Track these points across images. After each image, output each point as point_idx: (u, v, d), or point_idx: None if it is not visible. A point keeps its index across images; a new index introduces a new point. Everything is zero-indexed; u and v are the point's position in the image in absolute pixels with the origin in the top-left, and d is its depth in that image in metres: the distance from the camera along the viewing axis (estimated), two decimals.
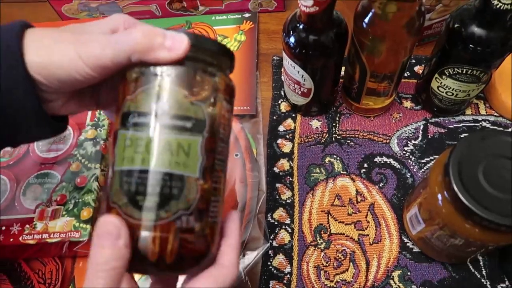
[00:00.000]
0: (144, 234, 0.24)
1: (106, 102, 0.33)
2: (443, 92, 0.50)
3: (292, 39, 0.44)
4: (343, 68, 0.55)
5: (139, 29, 0.25)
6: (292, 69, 0.47)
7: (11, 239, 0.43)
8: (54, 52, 0.26)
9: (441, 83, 0.49)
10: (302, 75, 0.47)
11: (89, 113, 0.50)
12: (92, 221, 0.43)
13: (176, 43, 0.25)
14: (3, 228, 0.43)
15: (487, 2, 0.39)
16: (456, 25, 0.43)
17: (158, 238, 0.23)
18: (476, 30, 0.42)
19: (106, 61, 0.25)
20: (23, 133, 0.28)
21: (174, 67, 0.25)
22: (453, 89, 0.48)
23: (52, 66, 0.25)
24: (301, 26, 0.43)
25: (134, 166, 0.24)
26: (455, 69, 0.46)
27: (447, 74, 0.47)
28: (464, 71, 0.45)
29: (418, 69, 0.59)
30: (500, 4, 0.38)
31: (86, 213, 0.43)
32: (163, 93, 0.25)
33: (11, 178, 0.47)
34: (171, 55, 0.25)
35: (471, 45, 0.42)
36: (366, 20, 0.41)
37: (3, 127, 0.27)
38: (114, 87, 0.29)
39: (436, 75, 0.48)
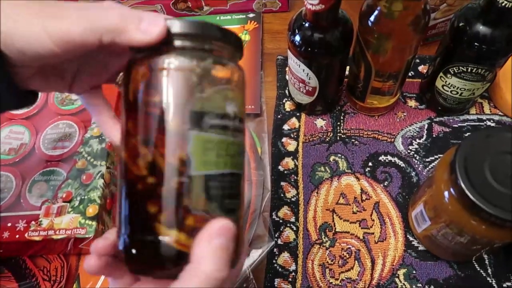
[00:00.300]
0: None
1: (79, 86, 0.30)
2: (447, 91, 0.50)
3: (297, 37, 0.44)
4: (347, 68, 0.55)
5: (116, 9, 0.24)
6: (297, 67, 0.48)
7: (17, 236, 0.43)
8: (18, 21, 0.24)
9: (446, 82, 0.49)
10: (307, 74, 0.47)
11: None
12: (97, 218, 0.43)
13: (151, 26, 0.23)
14: (9, 224, 0.43)
15: (492, 1, 0.39)
16: (461, 24, 0.44)
17: None
18: (481, 28, 0.42)
19: (73, 38, 0.23)
20: None
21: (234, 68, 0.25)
22: (458, 87, 0.48)
23: (15, 36, 0.23)
24: (306, 25, 0.43)
25: (224, 170, 0.23)
26: (460, 67, 0.46)
27: (452, 73, 0.47)
28: (469, 70, 0.45)
29: (422, 68, 0.59)
30: (505, 2, 0.38)
31: (91, 210, 0.43)
32: (232, 95, 0.24)
33: (16, 175, 0.47)
34: (146, 37, 0.23)
35: (476, 44, 0.42)
36: (372, 18, 0.42)
37: None
38: (91, 72, 0.29)
39: (441, 74, 0.49)
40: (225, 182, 0.23)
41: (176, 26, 0.23)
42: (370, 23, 0.42)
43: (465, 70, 0.46)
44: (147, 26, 0.23)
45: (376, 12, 0.41)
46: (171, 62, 0.23)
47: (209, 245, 0.22)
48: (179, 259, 0.22)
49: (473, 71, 0.45)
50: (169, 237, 0.22)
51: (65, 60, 0.25)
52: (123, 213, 0.24)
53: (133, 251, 0.23)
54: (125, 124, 0.24)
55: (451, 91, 0.49)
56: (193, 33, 0.23)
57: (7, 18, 0.23)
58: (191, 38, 0.24)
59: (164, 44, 0.23)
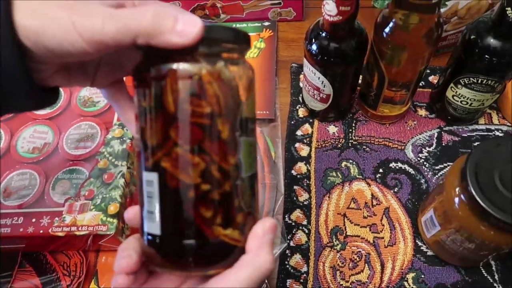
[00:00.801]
0: None
1: (102, 80, 0.29)
2: (458, 101, 0.51)
3: (314, 47, 0.46)
4: (360, 76, 0.57)
5: (150, 9, 0.23)
6: (312, 75, 0.49)
7: (41, 231, 0.44)
8: (47, 17, 0.22)
9: (456, 92, 0.50)
10: (322, 81, 0.49)
11: None
12: (118, 216, 0.45)
13: (188, 27, 0.22)
14: (33, 220, 0.45)
15: (503, 15, 0.41)
16: (472, 37, 0.45)
17: None
18: (492, 41, 0.44)
19: (106, 37, 0.22)
20: (6, 101, 0.25)
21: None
22: (468, 98, 0.50)
23: (43, 34, 0.22)
24: (323, 34, 0.45)
25: (255, 169, 0.26)
26: (471, 78, 0.47)
27: (463, 84, 0.49)
28: (479, 81, 0.47)
29: (432, 78, 0.61)
30: None
31: (113, 208, 0.45)
32: (253, 99, 0.26)
33: (40, 173, 0.49)
34: (182, 40, 0.22)
35: (487, 56, 0.44)
36: (387, 30, 0.43)
37: None
38: (114, 65, 0.28)
39: (452, 84, 0.50)
40: (254, 180, 0.25)
41: (215, 30, 0.23)
42: (385, 34, 0.44)
43: (475, 81, 0.47)
44: (183, 27, 0.22)
45: (391, 24, 0.43)
46: (221, 72, 0.23)
47: (264, 239, 0.24)
48: (235, 254, 0.24)
49: (483, 82, 0.47)
50: (226, 236, 0.24)
51: (95, 57, 0.25)
52: (167, 219, 0.24)
53: (183, 254, 0.24)
54: (162, 133, 0.23)
55: (461, 101, 0.51)
56: (231, 38, 0.23)
57: (36, 15, 0.22)
58: (231, 44, 0.24)
59: (197, 47, 0.23)
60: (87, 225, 0.44)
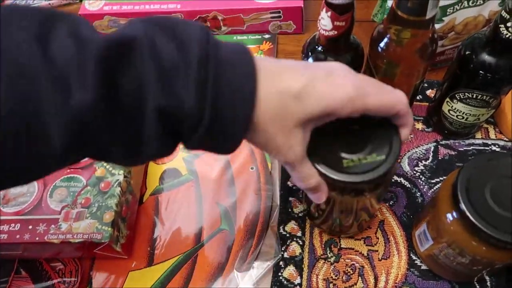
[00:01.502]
0: None
1: None
2: (453, 115, 0.51)
3: (310, 60, 0.47)
4: None
5: (347, 80, 0.29)
6: None
7: (37, 238, 0.45)
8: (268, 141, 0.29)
9: (452, 106, 0.51)
10: None
11: None
12: (113, 224, 0.45)
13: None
14: (30, 227, 0.46)
15: (497, 32, 0.41)
16: (467, 52, 0.46)
17: None
18: (486, 57, 0.44)
19: (311, 118, 0.29)
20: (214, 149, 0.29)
21: None
22: (464, 112, 0.50)
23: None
24: (319, 48, 0.46)
25: None
26: (466, 93, 0.48)
27: (458, 98, 0.49)
28: (474, 96, 0.47)
29: (430, 92, 0.61)
30: (509, 34, 0.40)
31: (108, 216, 0.46)
32: None
33: (39, 180, 0.49)
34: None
35: (481, 72, 0.44)
36: (382, 44, 0.44)
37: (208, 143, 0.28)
38: None
39: (447, 99, 0.50)
40: None
41: None
42: (380, 49, 0.44)
43: (470, 96, 0.47)
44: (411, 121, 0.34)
45: (385, 39, 0.43)
46: None
47: None
48: None
49: (478, 97, 0.47)
50: None
51: None
52: None
53: None
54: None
55: (456, 116, 0.51)
56: None
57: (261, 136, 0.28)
58: None
59: None
60: (82, 233, 0.45)
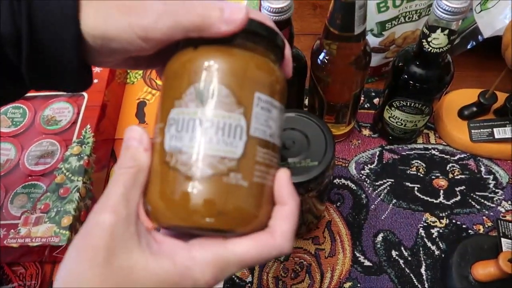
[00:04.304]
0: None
1: (155, 62, 0.31)
2: (393, 122, 0.56)
3: None
4: (307, 99, 0.61)
5: (198, 3, 0.24)
6: None
7: None
8: (108, 21, 0.24)
9: (391, 114, 0.55)
10: None
11: (76, 130, 0.55)
12: (71, 228, 0.48)
13: (234, 14, 0.24)
14: None
15: (421, 46, 0.45)
16: (400, 64, 0.50)
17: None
18: (415, 69, 0.48)
19: (159, 35, 0.24)
20: (57, 81, 0.28)
21: None
22: (401, 119, 0.54)
23: (106, 37, 0.25)
24: None
25: None
26: (401, 101, 0.52)
27: (395, 106, 0.53)
28: (408, 104, 0.51)
29: (376, 101, 0.65)
30: (430, 48, 0.44)
31: (66, 221, 0.48)
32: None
33: (1, 187, 0.52)
34: (230, 28, 0.24)
35: (411, 82, 0.49)
36: (320, 57, 0.48)
37: (44, 71, 0.26)
38: (165, 52, 0.28)
39: (387, 107, 0.55)
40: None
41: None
42: (319, 61, 0.48)
43: (405, 104, 0.52)
44: (230, 15, 0.24)
45: (323, 53, 0.47)
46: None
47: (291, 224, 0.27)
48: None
49: (412, 105, 0.51)
50: None
51: (152, 51, 0.26)
52: None
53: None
54: None
55: (396, 122, 0.55)
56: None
57: (98, 15, 0.24)
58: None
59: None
60: (40, 237, 0.47)
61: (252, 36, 0.25)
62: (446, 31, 0.42)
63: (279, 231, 0.25)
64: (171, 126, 0.24)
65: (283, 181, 0.26)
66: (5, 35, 0.24)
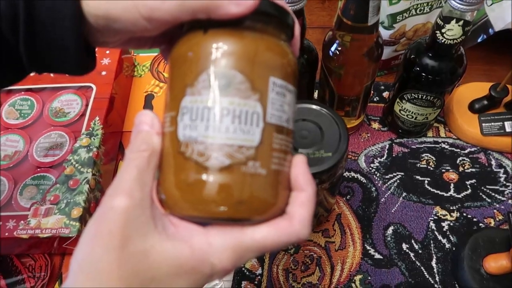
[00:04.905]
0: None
1: (158, 41, 0.30)
2: (404, 115, 0.55)
3: None
4: (316, 91, 0.61)
5: None
6: None
7: (6, 233, 0.47)
8: (111, 1, 0.24)
9: (402, 106, 0.54)
10: None
11: (85, 122, 0.55)
12: (81, 219, 0.48)
13: None
14: (0, 223, 0.48)
15: (434, 38, 0.45)
16: (412, 56, 0.49)
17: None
18: (428, 61, 0.48)
19: (165, 15, 0.23)
20: (56, 63, 0.27)
21: None
22: (412, 112, 0.54)
23: (109, 17, 0.24)
24: None
25: None
26: (413, 94, 0.51)
27: (406, 99, 0.53)
28: (419, 96, 0.51)
29: (386, 94, 0.65)
30: (444, 39, 0.44)
31: (76, 212, 0.48)
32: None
33: (9, 179, 0.51)
34: (240, 9, 0.23)
35: (423, 74, 0.48)
36: (332, 49, 0.48)
37: (42, 51, 0.25)
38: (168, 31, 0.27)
39: (398, 99, 0.54)
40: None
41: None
42: (331, 53, 0.48)
43: (416, 96, 0.51)
44: None
45: (335, 44, 0.47)
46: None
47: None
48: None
49: (423, 98, 0.51)
50: None
51: (154, 33, 0.25)
52: None
53: None
54: None
55: (407, 115, 0.55)
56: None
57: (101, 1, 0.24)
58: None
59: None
60: (50, 228, 0.47)
61: (263, 17, 0.24)
62: (461, 22, 0.42)
63: (298, 218, 0.24)
64: (184, 115, 0.23)
65: (300, 167, 0.25)
66: (1, 11, 0.23)
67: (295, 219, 0.24)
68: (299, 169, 0.25)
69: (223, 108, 0.23)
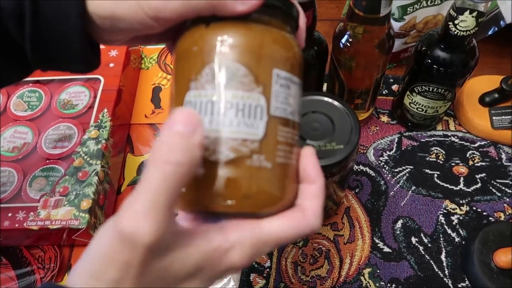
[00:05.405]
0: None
1: (163, 37, 0.30)
2: (414, 108, 0.55)
3: None
4: (325, 84, 0.60)
5: None
6: None
7: (16, 225, 0.47)
8: (116, 1, 0.24)
9: (412, 99, 0.54)
10: None
11: (93, 114, 0.55)
12: (90, 211, 0.48)
13: None
14: (10, 214, 0.48)
15: (447, 29, 0.44)
16: (423, 48, 0.49)
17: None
18: (440, 53, 0.47)
19: (170, 14, 0.23)
20: (61, 61, 0.27)
21: None
22: (423, 105, 0.53)
23: (115, 17, 0.24)
24: None
25: None
26: (423, 86, 0.51)
27: (417, 92, 0.52)
28: (430, 89, 0.50)
29: (395, 87, 0.64)
30: (457, 30, 0.43)
31: (85, 204, 0.48)
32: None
33: (19, 170, 0.51)
34: (245, 7, 0.23)
35: (435, 66, 0.48)
36: (343, 41, 0.47)
37: (48, 48, 0.26)
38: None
39: (408, 92, 0.54)
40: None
41: None
42: (341, 45, 0.47)
43: (427, 89, 0.51)
44: None
45: (346, 35, 0.46)
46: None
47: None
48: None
49: (434, 90, 0.50)
50: None
51: (159, 30, 0.25)
52: None
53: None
54: None
55: (417, 108, 0.54)
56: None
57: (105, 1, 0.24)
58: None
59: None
60: (60, 220, 0.47)
61: (268, 9, 0.24)
62: (475, 13, 0.41)
63: (311, 210, 0.25)
64: None
65: (309, 159, 0.25)
66: (7, 8, 0.23)
67: (309, 211, 0.24)
68: (309, 161, 0.25)
69: (227, 101, 0.22)
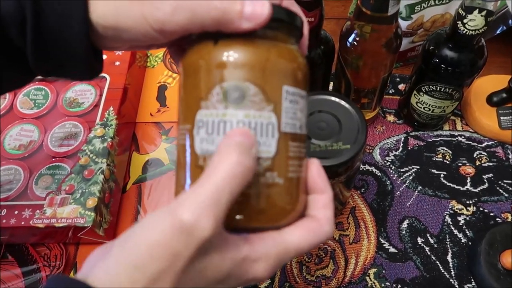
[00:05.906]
0: None
1: (170, 45, 0.30)
2: (421, 107, 0.54)
3: None
4: (331, 84, 0.60)
5: None
6: None
7: (22, 222, 0.47)
8: (120, 10, 0.23)
9: (419, 99, 0.54)
10: None
11: (99, 112, 0.55)
12: (96, 209, 0.48)
13: (256, 10, 0.22)
14: (16, 212, 0.48)
15: (455, 28, 0.44)
16: (431, 47, 0.49)
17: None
18: (448, 52, 0.47)
19: (175, 27, 0.23)
20: (64, 68, 0.27)
21: None
22: (430, 105, 0.53)
23: (118, 28, 0.24)
24: None
25: None
26: (431, 86, 0.51)
27: (424, 91, 0.52)
28: (438, 89, 0.50)
29: (401, 86, 0.64)
30: (465, 30, 0.43)
31: (91, 202, 0.48)
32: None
33: (25, 168, 0.52)
34: (251, 25, 0.22)
35: (443, 66, 0.47)
36: (350, 39, 0.47)
37: (50, 55, 0.25)
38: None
39: (415, 92, 0.53)
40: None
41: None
42: (348, 44, 0.47)
43: (434, 89, 0.50)
44: (252, 11, 0.22)
45: (353, 34, 0.46)
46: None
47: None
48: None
49: (442, 90, 0.50)
50: None
51: (163, 41, 0.25)
52: None
53: None
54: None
55: (424, 108, 0.54)
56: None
57: (109, 11, 0.24)
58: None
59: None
60: (66, 218, 0.47)
61: (274, 24, 0.24)
62: (484, 12, 0.41)
63: (325, 219, 0.26)
64: (200, 129, 0.23)
65: (317, 172, 0.26)
66: (8, 14, 0.23)
67: (323, 221, 0.26)
68: (317, 173, 0.26)
69: (239, 121, 0.23)
